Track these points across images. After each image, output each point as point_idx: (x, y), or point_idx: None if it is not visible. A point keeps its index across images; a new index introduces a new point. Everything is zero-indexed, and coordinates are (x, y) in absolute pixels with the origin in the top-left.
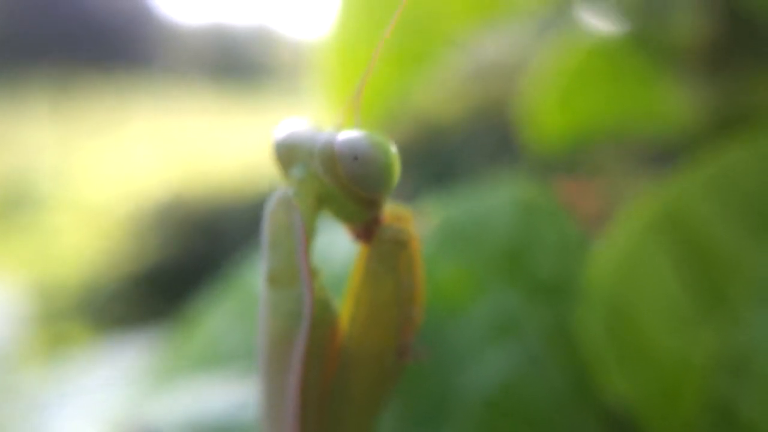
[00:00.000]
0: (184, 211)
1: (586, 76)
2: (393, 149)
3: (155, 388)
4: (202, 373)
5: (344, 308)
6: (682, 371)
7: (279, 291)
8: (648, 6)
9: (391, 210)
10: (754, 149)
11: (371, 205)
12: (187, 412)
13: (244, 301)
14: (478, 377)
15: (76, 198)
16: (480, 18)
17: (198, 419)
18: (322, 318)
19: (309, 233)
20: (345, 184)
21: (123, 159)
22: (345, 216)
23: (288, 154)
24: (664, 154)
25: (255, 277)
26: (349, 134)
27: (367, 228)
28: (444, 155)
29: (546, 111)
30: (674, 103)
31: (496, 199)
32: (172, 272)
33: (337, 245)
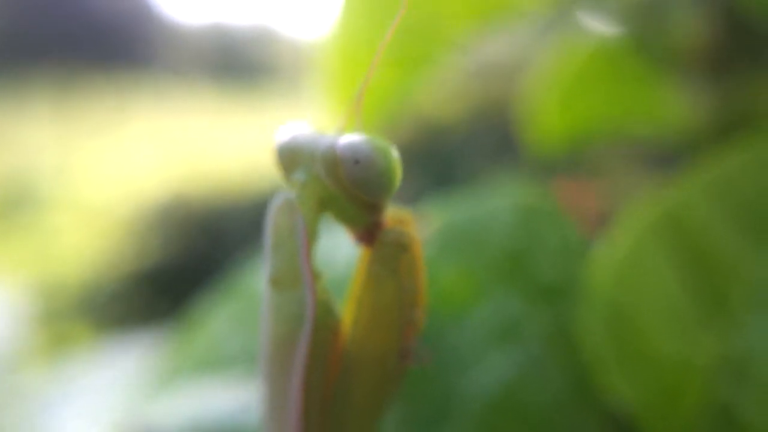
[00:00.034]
0: (185, 211)
1: (587, 77)
2: (395, 153)
3: (157, 390)
4: (204, 376)
5: (346, 311)
6: (682, 374)
7: (281, 294)
8: (649, 9)
9: (392, 213)
10: (755, 154)
11: (373, 209)
12: (189, 414)
13: (247, 304)
14: (479, 380)
15: (76, 198)
16: (481, 20)
17: (200, 422)
18: (325, 321)
19: (311, 236)
20: (347, 188)
21: (124, 159)
22: (347, 219)
23: (290, 157)
24: (665, 155)
25: (257, 280)
26: (351, 138)
27: (369, 231)
28: (445, 155)
29: (547, 112)
30: (675, 105)
31: (497, 202)
32: (173, 272)
33: (338, 248)
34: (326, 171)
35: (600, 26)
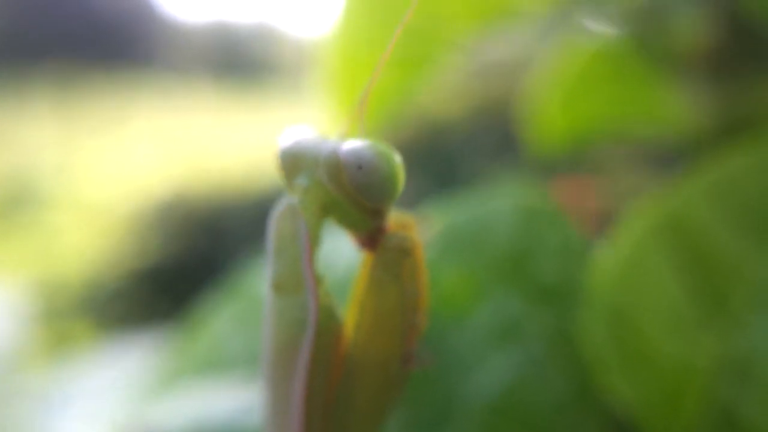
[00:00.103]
0: (187, 209)
1: (588, 78)
2: (397, 159)
3: (158, 391)
4: (206, 377)
5: (348, 316)
6: (683, 375)
7: (284, 298)
8: (651, 10)
9: (395, 217)
10: (757, 155)
11: (376, 214)
12: (191, 415)
13: (249, 306)
14: (480, 382)
15: (78, 196)
16: (481, 21)
17: (201, 423)
18: (327, 325)
19: (314, 241)
20: (350, 193)
21: (125, 157)
22: (349, 224)
23: (293, 162)
24: (666, 156)
25: (259, 281)
26: (354, 143)
27: (371, 236)
28: (446, 155)
29: (548, 112)
30: (676, 107)
31: (498, 204)
32: (175, 270)
33: (340, 252)
34: (329, 176)
35: (602, 27)
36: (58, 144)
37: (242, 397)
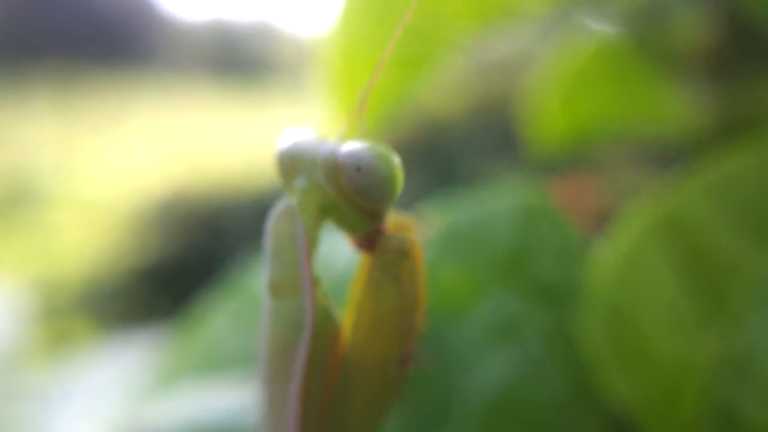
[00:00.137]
0: (186, 208)
1: (588, 77)
2: (396, 160)
3: (156, 390)
4: (204, 376)
5: (346, 317)
6: (683, 374)
7: (281, 300)
8: (651, 9)
9: (393, 219)
10: (756, 154)
11: (374, 216)
12: (188, 415)
13: (247, 304)
14: (479, 380)
15: (77, 195)
16: (482, 20)
17: (199, 423)
18: (324, 327)
19: (311, 243)
20: (348, 195)
21: (125, 156)
22: (347, 226)
23: (291, 164)
24: (666, 155)
25: (258, 280)
26: (352, 145)
27: (369, 238)
28: (445, 153)
29: (548, 111)
30: (676, 106)
31: (497, 203)
32: (174, 268)
33: (338, 252)
34: (327, 178)
35: (602, 27)
36: (58, 142)
37: (240, 396)
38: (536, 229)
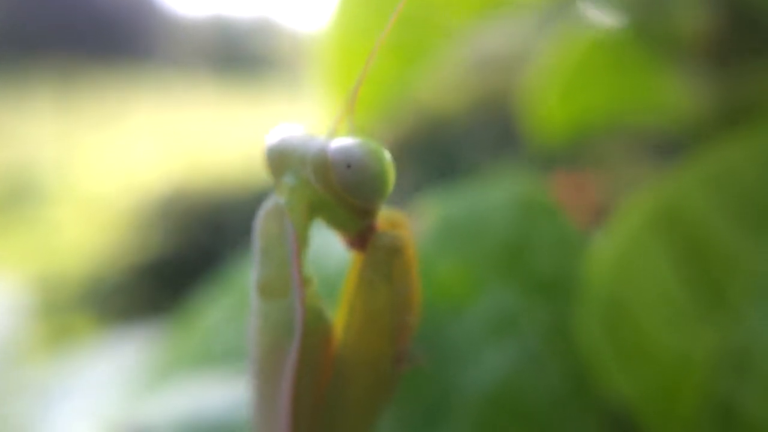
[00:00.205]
0: (187, 204)
1: (587, 67)
2: (388, 157)
3: (152, 386)
4: (200, 371)
5: (338, 316)
6: (681, 368)
7: (270, 301)
8: None
9: (385, 215)
10: (754, 144)
11: (365, 214)
12: (183, 411)
13: (243, 298)
14: (476, 375)
15: (78, 191)
16: (480, 10)
17: (194, 419)
18: (315, 327)
19: (301, 242)
20: (338, 193)
21: (125, 151)
22: (338, 224)
23: (279, 161)
24: (668, 147)
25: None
26: (342, 141)
27: (361, 236)
28: (445, 148)
29: (547, 103)
30: (676, 95)
31: (494, 196)
32: (175, 264)
33: (330, 248)
34: (316, 175)
35: (601, 15)
36: (58, 138)
37: (235, 391)
38: (534, 222)
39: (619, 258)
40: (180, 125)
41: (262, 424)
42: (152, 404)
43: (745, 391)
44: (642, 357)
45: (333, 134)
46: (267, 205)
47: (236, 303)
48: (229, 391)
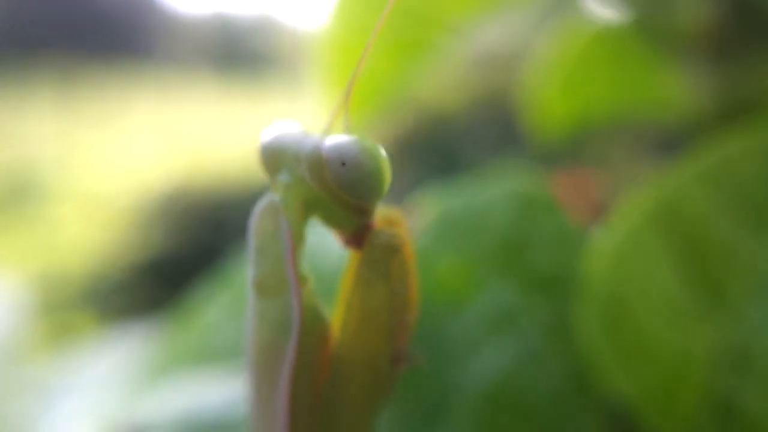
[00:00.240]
0: (188, 202)
1: (588, 62)
2: (383, 154)
3: (150, 382)
4: (199, 367)
5: (336, 315)
6: (681, 366)
7: (267, 300)
8: None
9: (382, 213)
10: (753, 139)
11: (361, 212)
12: (181, 408)
13: (241, 295)
14: (476, 372)
15: (79, 189)
16: (480, 5)
17: (192, 416)
18: (312, 326)
19: (297, 240)
20: (333, 191)
21: (126, 149)
22: (334, 222)
23: (274, 158)
24: (669, 143)
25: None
26: (337, 139)
27: (357, 234)
28: (447, 146)
29: (548, 99)
30: (678, 89)
31: (494, 192)
32: (176, 262)
33: (327, 246)
34: (311, 173)
35: (601, 9)
36: (59, 137)
37: (233, 388)
38: (533, 217)
39: (618, 255)
40: (181, 123)
41: (259, 422)
42: (150, 402)
43: (745, 389)
44: (642, 355)
45: (328, 131)
46: (262, 203)
47: (234, 300)
48: (227, 389)
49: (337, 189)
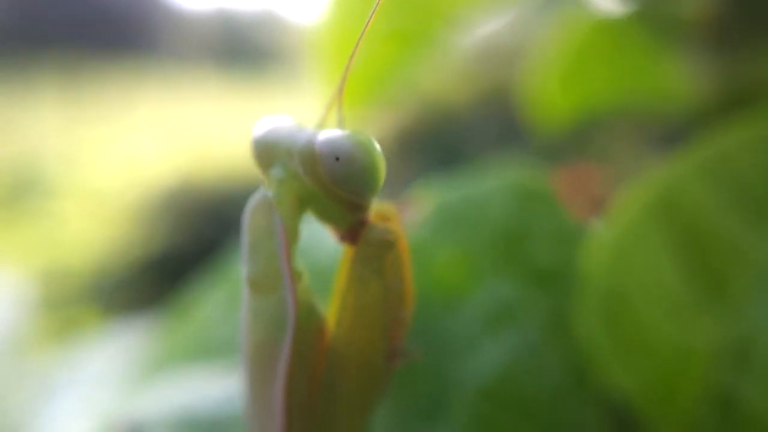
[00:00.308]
0: (192, 197)
1: (588, 52)
2: (378, 149)
3: (146, 378)
4: (195, 363)
5: (331, 311)
6: (681, 360)
7: (261, 297)
8: None
9: (376, 208)
10: (754, 131)
11: (356, 208)
12: (178, 405)
13: (238, 289)
14: (474, 367)
15: (83, 184)
16: None
17: (188, 413)
18: (308, 322)
19: (290, 236)
20: (327, 186)
21: (130, 145)
22: (328, 218)
23: (267, 153)
24: (671, 136)
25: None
26: (330, 133)
27: (352, 230)
28: (448, 140)
29: (549, 91)
30: (679, 79)
31: (493, 185)
32: (180, 258)
33: (321, 242)
34: (305, 168)
35: (602, 1)
36: (63, 132)
37: (230, 385)
38: (533, 211)
39: (618, 248)
40: (184, 119)
41: (255, 419)
42: (147, 398)
43: (745, 383)
44: (641, 348)
45: (322, 125)
46: (255, 199)
47: (232, 294)
48: (223, 385)
49: (330, 184)
